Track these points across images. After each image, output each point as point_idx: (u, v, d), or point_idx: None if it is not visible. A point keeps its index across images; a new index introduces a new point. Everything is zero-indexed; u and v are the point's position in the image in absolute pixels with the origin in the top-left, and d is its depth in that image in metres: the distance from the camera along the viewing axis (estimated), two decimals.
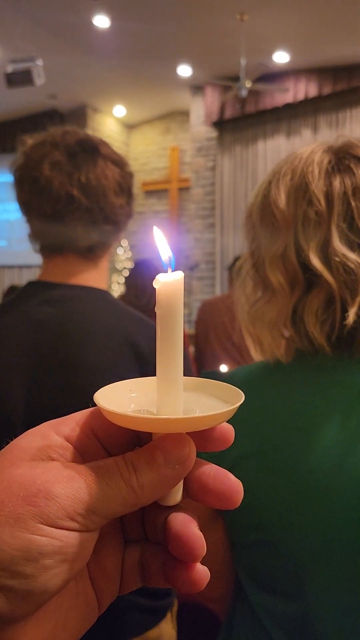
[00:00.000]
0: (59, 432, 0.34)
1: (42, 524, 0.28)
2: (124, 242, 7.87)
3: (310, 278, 0.81)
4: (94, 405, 0.34)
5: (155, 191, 8.72)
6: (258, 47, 6.04)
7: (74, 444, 0.34)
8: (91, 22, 5.67)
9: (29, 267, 8.44)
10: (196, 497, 0.34)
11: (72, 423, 0.35)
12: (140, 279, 2.77)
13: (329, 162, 0.83)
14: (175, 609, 1.17)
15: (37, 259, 1.18)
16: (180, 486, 0.35)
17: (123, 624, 1.04)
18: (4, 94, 6.14)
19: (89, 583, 0.34)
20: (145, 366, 1.04)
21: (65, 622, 0.32)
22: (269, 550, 0.81)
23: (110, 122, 8.58)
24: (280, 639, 0.80)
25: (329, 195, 0.80)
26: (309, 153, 0.86)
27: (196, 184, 7.86)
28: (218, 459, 0.83)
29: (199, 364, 3.19)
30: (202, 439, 0.35)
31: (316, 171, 0.82)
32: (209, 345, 3.10)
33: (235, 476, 0.34)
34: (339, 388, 0.80)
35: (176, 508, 0.35)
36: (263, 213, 0.87)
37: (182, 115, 8.28)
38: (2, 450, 0.33)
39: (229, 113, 7.23)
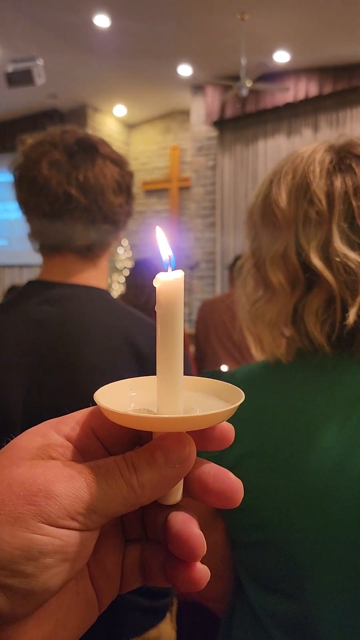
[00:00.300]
0: (59, 431, 0.34)
1: (42, 523, 0.28)
2: (125, 242, 7.87)
3: (311, 278, 0.81)
4: (94, 404, 0.34)
5: (155, 190, 8.72)
6: (258, 46, 6.04)
7: (74, 443, 0.34)
8: (92, 22, 5.67)
9: (29, 266, 8.44)
10: (196, 496, 0.34)
11: (72, 422, 0.35)
12: (139, 278, 2.77)
13: (330, 161, 0.83)
14: (174, 609, 1.17)
15: (37, 258, 1.18)
16: (180, 485, 0.35)
17: (122, 623, 1.04)
18: (5, 93, 6.14)
19: (89, 582, 0.34)
20: (145, 366, 1.04)
21: (65, 621, 0.32)
22: (269, 549, 0.81)
23: (111, 121, 8.58)
24: (280, 638, 0.80)
25: (330, 195, 0.80)
26: (311, 152, 0.85)
27: (196, 183, 7.86)
28: (219, 458, 0.83)
29: (199, 364, 3.19)
30: (202, 438, 0.35)
31: (317, 170, 0.82)
32: (209, 344, 3.09)
33: (236, 475, 0.34)
34: (339, 388, 0.80)
35: (176, 507, 0.35)
36: (264, 212, 0.87)
37: (183, 114, 8.27)
38: (2, 449, 0.33)
39: (229, 112, 7.22)
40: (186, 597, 1.19)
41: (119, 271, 7.70)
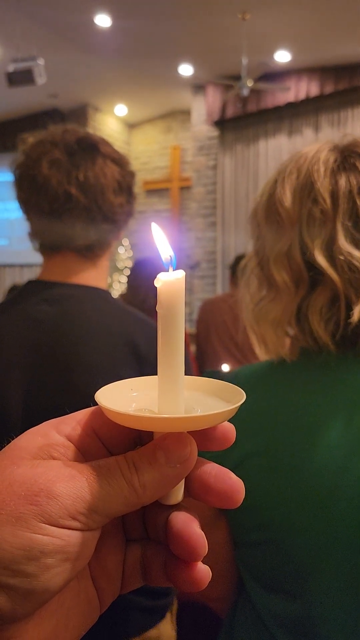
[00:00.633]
0: (60, 431, 0.34)
1: (43, 523, 0.28)
2: (125, 241, 7.87)
3: (315, 276, 0.82)
4: (95, 404, 0.34)
5: (156, 190, 8.72)
6: (259, 46, 6.04)
7: (76, 443, 0.34)
8: (93, 22, 5.67)
9: (30, 266, 8.44)
10: (197, 496, 0.34)
11: (73, 422, 0.35)
12: (137, 278, 2.78)
13: (335, 160, 0.83)
14: (174, 608, 1.17)
15: (38, 257, 1.18)
16: (181, 485, 0.35)
17: (122, 623, 1.04)
18: (5, 93, 6.14)
19: (90, 582, 0.34)
20: (144, 366, 1.04)
21: (66, 621, 0.32)
22: (271, 549, 0.81)
23: (112, 121, 8.58)
24: (282, 638, 0.80)
25: (334, 194, 0.81)
26: (315, 152, 0.86)
27: (197, 183, 7.86)
28: (221, 458, 0.83)
29: (200, 363, 3.19)
30: (203, 438, 0.34)
31: (322, 170, 0.82)
32: (210, 344, 3.09)
33: (239, 475, 0.34)
34: (343, 387, 0.80)
35: (177, 507, 0.35)
36: (268, 211, 0.87)
37: (184, 114, 8.27)
38: (2, 449, 0.33)
39: (230, 112, 7.22)
40: (187, 597, 1.19)
41: (120, 271, 7.70)
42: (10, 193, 1.16)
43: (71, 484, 0.29)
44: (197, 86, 7.50)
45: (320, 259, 0.79)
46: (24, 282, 1.16)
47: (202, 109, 7.54)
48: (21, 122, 8.27)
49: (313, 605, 0.77)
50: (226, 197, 7.56)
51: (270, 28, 5.79)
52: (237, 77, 6.14)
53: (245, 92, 6.01)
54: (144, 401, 0.36)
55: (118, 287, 7.43)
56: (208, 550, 0.33)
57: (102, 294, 1.14)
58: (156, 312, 0.33)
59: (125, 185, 1.16)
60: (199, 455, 0.33)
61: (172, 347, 0.33)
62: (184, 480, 0.34)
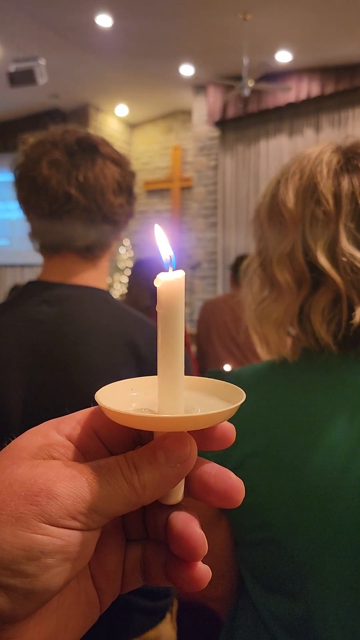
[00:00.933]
0: (60, 431, 0.34)
1: (43, 523, 0.28)
2: (126, 242, 7.87)
3: (317, 277, 0.82)
4: (94, 404, 0.34)
5: (157, 190, 8.72)
6: (260, 46, 6.04)
7: (76, 443, 0.34)
8: (94, 22, 5.67)
9: (30, 266, 8.44)
10: (197, 496, 0.34)
11: (73, 422, 0.35)
12: (136, 278, 2.81)
13: (338, 162, 0.84)
14: (175, 609, 1.17)
15: (38, 258, 1.18)
16: (181, 485, 0.35)
17: (122, 624, 1.04)
18: (7, 93, 6.15)
19: (90, 582, 0.34)
20: (144, 366, 1.04)
21: (66, 621, 0.32)
22: (272, 549, 0.81)
23: (113, 121, 8.58)
24: (282, 638, 0.80)
25: (337, 195, 0.81)
26: (318, 153, 0.86)
27: (198, 183, 7.86)
28: (222, 457, 0.83)
29: (200, 364, 3.19)
30: (203, 438, 0.35)
31: (325, 171, 0.83)
32: (211, 344, 3.09)
33: (240, 475, 0.34)
34: (344, 388, 0.80)
35: (177, 507, 0.35)
36: (271, 212, 0.88)
37: (185, 114, 8.27)
38: (3, 449, 0.33)
39: (231, 112, 7.22)
40: (187, 598, 1.19)
41: (121, 271, 7.70)
42: (11, 193, 1.16)
43: (71, 484, 0.29)
44: (198, 86, 7.50)
45: (323, 260, 0.79)
46: (25, 283, 1.16)
47: (203, 109, 7.54)
48: (22, 122, 8.27)
49: (313, 605, 0.77)
50: (227, 198, 7.56)
51: (271, 28, 5.79)
52: (238, 77, 6.14)
53: (246, 92, 6.01)
54: (144, 401, 0.36)
55: (119, 287, 7.43)
56: (208, 550, 0.33)
57: (102, 295, 1.14)
58: (155, 312, 0.33)
59: (125, 186, 1.16)
60: (199, 455, 0.33)
61: (171, 347, 0.33)
62: (184, 480, 0.34)
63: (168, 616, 1.13)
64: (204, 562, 0.33)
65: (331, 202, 0.81)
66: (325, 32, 5.86)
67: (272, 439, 0.81)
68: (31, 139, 1.14)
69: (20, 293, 1.12)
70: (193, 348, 3.54)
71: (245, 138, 7.45)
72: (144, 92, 7.74)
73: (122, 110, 8.37)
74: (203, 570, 0.33)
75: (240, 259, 3.35)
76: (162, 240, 0.35)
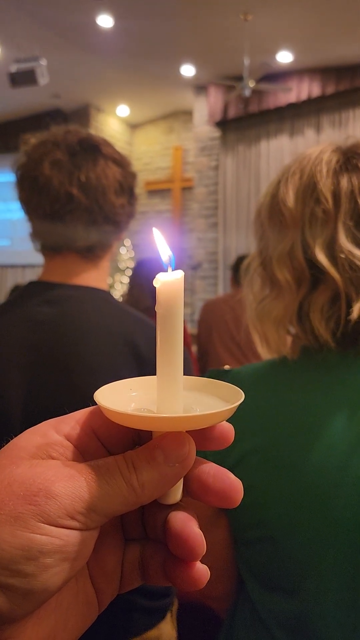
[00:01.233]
0: (59, 430, 0.34)
1: (42, 522, 0.28)
2: (127, 242, 7.87)
3: (317, 275, 0.83)
4: (94, 404, 0.34)
5: (158, 191, 8.72)
6: (261, 46, 6.04)
7: (74, 443, 0.34)
8: (95, 22, 5.68)
9: (32, 266, 8.44)
10: (196, 495, 0.34)
11: (72, 422, 0.35)
12: (136, 278, 2.82)
13: (337, 161, 0.85)
14: (175, 609, 1.17)
15: (39, 258, 1.18)
16: (180, 485, 0.35)
17: (122, 624, 1.04)
18: (8, 93, 6.15)
19: (89, 581, 0.34)
20: (144, 366, 1.04)
21: (65, 621, 0.32)
22: (270, 547, 0.81)
23: (114, 121, 8.59)
24: (281, 637, 0.80)
25: (336, 194, 0.82)
26: (318, 153, 0.87)
27: (199, 183, 7.86)
28: (221, 456, 0.84)
29: (201, 364, 3.19)
30: (202, 437, 0.35)
31: (324, 170, 0.84)
32: (212, 344, 3.09)
33: (238, 473, 0.34)
34: (343, 387, 0.80)
35: (176, 507, 0.35)
36: (272, 212, 0.89)
37: (186, 114, 8.28)
38: (1, 449, 0.33)
39: (232, 113, 7.22)
40: (187, 597, 1.19)
41: (122, 271, 7.70)
42: (12, 193, 1.16)
43: (70, 484, 0.30)
44: (199, 87, 7.50)
45: (322, 258, 0.80)
46: (26, 283, 1.16)
47: (204, 109, 7.54)
48: (24, 122, 8.28)
49: (311, 604, 0.77)
50: (228, 198, 7.56)
51: (272, 29, 5.79)
52: (239, 78, 6.14)
53: (247, 92, 6.01)
54: (143, 401, 0.36)
55: (119, 287, 7.43)
56: (207, 549, 0.33)
57: (102, 295, 1.14)
58: (154, 311, 0.33)
59: (126, 186, 1.16)
60: (197, 454, 0.33)
61: (171, 347, 0.33)
62: (182, 479, 0.34)
63: (168, 616, 1.13)
64: (202, 562, 0.33)
65: (330, 200, 0.81)
66: (326, 33, 5.86)
67: (271, 438, 0.82)
68: (33, 139, 1.14)
69: (21, 293, 1.12)
70: (194, 348, 3.54)
71: (246, 138, 7.45)
72: (145, 93, 7.74)
73: (123, 110, 8.38)
74: (202, 570, 0.33)
75: (241, 259, 3.35)
76: (161, 242, 0.35)
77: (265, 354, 0.93)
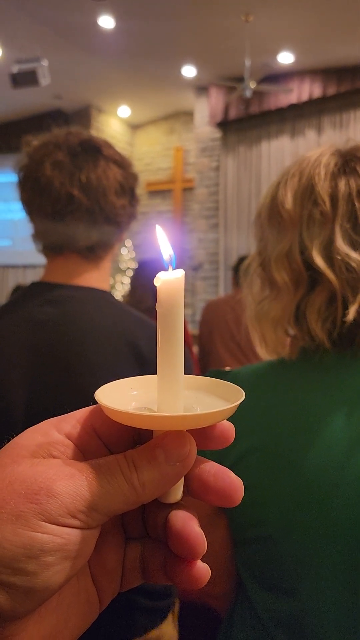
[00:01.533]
0: (60, 429, 0.34)
1: (43, 521, 0.28)
2: (128, 243, 7.87)
3: (314, 276, 0.83)
4: (95, 403, 0.34)
5: (159, 191, 8.72)
6: (262, 47, 6.04)
7: (75, 442, 0.34)
8: (96, 23, 5.68)
9: (33, 267, 8.45)
10: (197, 494, 0.34)
11: (73, 421, 0.35)
12: (138, 279, 2.83)
13: (336, 164, 0.85)
14: (177, 609, 1.17)
15: (41, 258, 1.19)
16: (180, 484, 0.35)
17: (124, 624, 1.04)
18: (9, 94, 6.16)
19: (90, 580, 0.34)
20: (145, 366, 1.05)
21: (66, 619, 0.32)
22: (269, 546, 0.81)
23: (115, 122, 8.59)
24: (279, 637, 0.81)
25: (334, 196, 0.83)
26: (317, 155, 0.88)
27: (200, 184, 7.86)
28: (222, 455, 0.84)
29: (202, 364, 3.19)
30: (202, 437, 0.35)
31: (322, 173, 0.84)
32: (213, 345, 3.09)
33: (239, 473, 0.34)
34: (341, 386, 0.81)
35: (177, 506, 0.35)
36: (271, 213, 0.89)
37: (187, 115, 8.28)
38: (3, 447, 0.33)
39: (233, 114, 7.22)
40: (188, 596, 1.19)
41: (123, 272, 7.70)
42: (14, 194, 1.16)
43: (71, 483, 0.30)
44: (200, 87, 7.51)
45: (318, 260, 0.81)
46: (27, 283, 1.16)
47: (205, 110, 7.54)
48: (25, 123, 8.28)
49: (309, 604, 0.78)
50: (228, 199, 7.56)
51: (273, 30, 5.79)
52: (240, 79, 6.15)
53: (248, 93, 6.01)
54: (144, 400, 0.37)
55: (121, 288, 7.43)
56: (208, 548, 0.33)
57: (104, 296, 1.14)
58: (156, 312, 0.33)
59: (127, 187, 1.17)
60: (198, 453, 0.33)
61: (171, 346, 0.33)
62: (183, 478, 0.34)
63: (170, 616, 1.13)
64: (203, 561, 0.33)
65: (328, 203, 0.82)
66: (327, 34, 5.86)
67: (269, 437, 0.82)
68: (35, 141, 1.15)
69: (23, 294, 1.13)
70: (195, 349, 3.54)
71: (247, 139, 7.45)
72: (146, 93, 7.75)
73: (124, 111, 8.38)
74: (202, 569, 0.33)
75: (242, 260, 3.35)
76: (162, 240, 0.35)
77: (263, 354, 0.94)
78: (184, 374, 0.34)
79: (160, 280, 0.33)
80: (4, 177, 8.28)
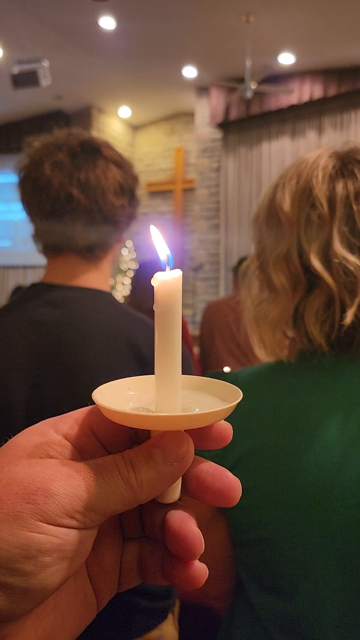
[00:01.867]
0: (57, 429, 0.34)
1: (40, 521, 0.28)
2: (129, 243, 7.87)
3: (312, 279, 0.83)
4: (93, 404, 0.34)
5: (160, 192, 8.73)
6: (263, 48, 6.05)
7: (73, 442, 0.34)
8: (97, 24, 5.69)
9: (33, 267, 8.46)
10: (195, 494, 0.34)
11: (70, 421, 0.35)
12: (138, 280, 2.83)
13: (333, 167, 0.85)
14: (177, 609, 1.17)
15: (41, 259, 1.19)
16: (178, 484, 0.35)
17: (123, 625, 1.04)
18: (10, 94, 6.17)
19: (87, 580, 0.34)
20: (145, 367, 1.05)
21: (63, 620, 0.32)
22: (267, 548, 0.81)
23: (116, 123, 8.60)
24: (279, 637, 0.81)
25: (331, 199, 0.82)
26: (315, 158, 0.88)
27: (201, 184, 7.86)
28: (220, 457, 0.84)
29: (203, 365, 3.19)
30: (200, 437, 0.35)
31: (320, 175, 0.84)
32: (214, 346, 3.09)
33: (237, 474, 0.34)
34: (339, 389, 0.81)
35: (175, 506, 0.35)
36: (269, 216, 0.89)
37: (187, 116, 8.29)
38: (0, 448, 0.33)
39: (233, 114, 7.23)
40: (188, 596, 1.20)
41: (123, 272, 7.70)
42: (14, 194, 1.17)
43: (68, 483, 0.30)
44: (201, 88, 7.51)
45: (316, 263, 0.81)
46: (27, 284, 1.16)
47: (206, 111, 7.55)
48: (26, 123, 8.30)
49: (307, 605, 0.78)
50: (229, 199, 7.56)
51: (274, 30, 5.79)
52: (241, 80, 6.15)
53: (249, 94, 6.02)
54: (142, 400, 0.37)
55: (121, 288, 7.44)
56: (206, 549, 0.33)
57: (103, 296, 1.14)
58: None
59: (127, 188, 1.17)
60: (196, 454, 0.33)
61: (169, 346, 0.33)
62: (181, 478, 0.34)
63: (170, 617, 1.13)
64: (201, 561, 0.33)
65: (325, 206, 0.82)
66: (328, 35, 5.87)
67: (267, 440, 0.82)
68: (36, 142, 1.15)
69: (23, 295, 1.13)
70: (196, 350, 3.54)
71: (248, 140, 7.45)
72: (146, 94, 7.75)
73: (125, 112, 8.39)
74: (200, 569, 0.33)
75: (242, 261, 3.35)
76: (158, 241, 0.35)
77: (262, 356, 0.93)
78: (184, 374, 0.34)
79: (158, 280, 0.33)
80: (5, 177, 8.28)
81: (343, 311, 0.80)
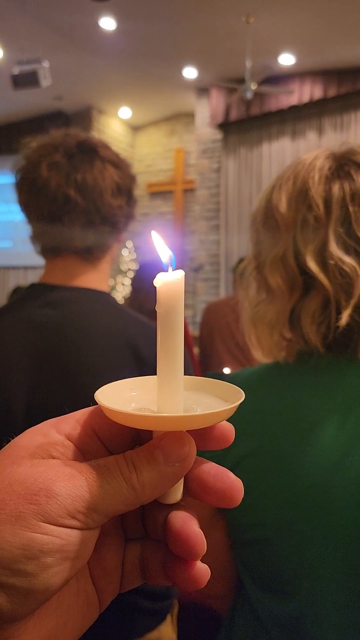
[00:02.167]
0: (59, 430, 0.34)
1: (43, 522, 0.28)
2: (129, 244, 7.87)
3: (308, 281, 0.83)
4: (95, 404, 0.34)
5: (160, 193, 8.73)
6: (263, 49, 6.05)
7: (75, 442, 0.34)
8: (97, 24, 5.69)
9: (33, 268, 8.46)
10: (196, 495, 0.34)
11: (72, 421, 0.35)
12: (139, 280, 2.83)
13: (330, 168, 0.85)
14: (175, 611, 1.17)
15: (41, 260, 1.19)
16: (180, 484, 0.35)
17: (124, 625, 1.04)
18: (10, 95, 6.17)
19: (89, 581, 0.34)
20: (145, 368, 1.05)
21: (66, 620, 0.32)
22: (267, 548, 0.82)
23: (116, 123, 8.60)
24: (279, 637, 0.81)
25: (327, 201, 0.82)
26: (312, 159, 0.88)
27: (201, 185, 7.86)
28: (220, 457, 0.84)
29: (203, 366, 3.19)
30: (202, 437, 0.35)
31: (316, 177, 0.84)
32: (214, 347, 3.09)
33: (237, 475, 0.34)
34: (337, 390, 0.81)
35: (176, 506, 0.35)
36: (266, 217, 0.89)
37: (187, 117, 8.29)
38: (2, 448, 0.33)
39: (234, 115, 7.23)
40: (188, 596, 1.19)
41: (123, 273, 7.71)
42: (14, 195, 1.17)
43: (70, 483, 0.30)
44: (201, 89, 7.52)
45: (312, 264, 0.81)
46: (27, 285, 1.16)
47: (206, 111, 7.55)
48: (25, 124, 8.30)
49: (307, 605, 0.78)
50: (229, 200, 7.56)
51: (274, 31, 5.80)
52: (241, 80, 6.16)
53: (249, 95, 6.02)
54: (144, 400, 0.36)
55: (121, 289, 7.44)
56: (207, 549, 0.33)
57: (103, 297, 1.14)
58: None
59: (124, 188, 1.17)
60: (198, 454, 0.33)
61: (171, 347, 0.33)
62: (182, 479, 0.34)
63: (168, 618, 1.13)
64: (202, 561, 0.33)
65: (321, 207, 0.82)
66: (328, 35, 5.87)
67: (266, 440, 0.82)
68: (33, 143, 1.15)
69: (23, 296, 1.13)
70: (196, 350, 3.54)
71: (248, 141, 7.46)
72: (147, 95, 7.76)
73: (125, 112, 8.39)
74: (202, 569, 0.33)
75: (242, 261, 3.35)
76: (159, 244, 0.35)
77: (259, 357, 0.94)
78: (184, 374, 0.34)
79: (160, 281, 0.33)
80: (5, 178, 8.28)
81: (339, 312, 0.80)
